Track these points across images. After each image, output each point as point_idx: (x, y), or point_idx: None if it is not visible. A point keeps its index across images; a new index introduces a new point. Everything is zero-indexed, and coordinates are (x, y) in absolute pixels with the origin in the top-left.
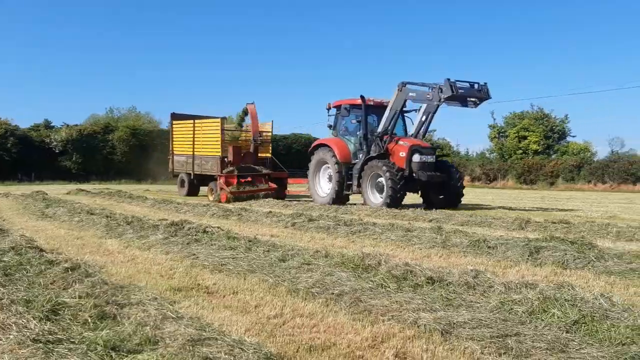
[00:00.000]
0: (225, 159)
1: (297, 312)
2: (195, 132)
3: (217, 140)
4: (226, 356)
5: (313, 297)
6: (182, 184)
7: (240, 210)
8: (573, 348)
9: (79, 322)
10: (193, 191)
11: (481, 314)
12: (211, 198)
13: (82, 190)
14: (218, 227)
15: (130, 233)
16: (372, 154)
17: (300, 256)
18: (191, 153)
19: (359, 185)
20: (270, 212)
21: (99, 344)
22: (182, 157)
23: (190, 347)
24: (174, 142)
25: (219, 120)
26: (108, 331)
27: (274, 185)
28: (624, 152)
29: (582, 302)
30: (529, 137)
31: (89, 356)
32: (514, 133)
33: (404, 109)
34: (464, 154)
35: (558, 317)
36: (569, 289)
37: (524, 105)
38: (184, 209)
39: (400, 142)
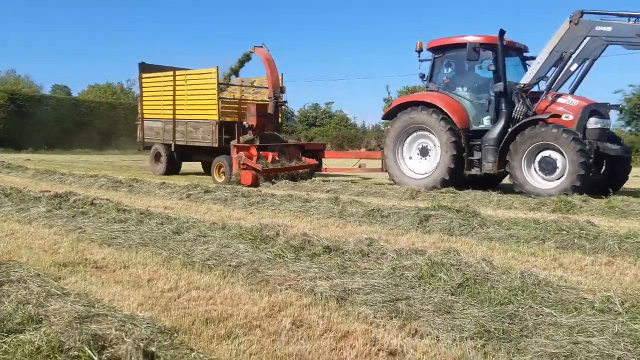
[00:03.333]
0: (245, 123)
1: (193, 285)
2: (178, 88)
3: (212, 99)
4: (117, 332)
5: (209, 270)
6: (157, 159)
7: (131, 182)
8: (457, 309)
9: None
10: (173, 168)
11: (374, 280)
12: (220, 179)
13: None
14: (107, 199)
15: (8, 206)
16: (517, 116)
17: (195, 228)
18: (171, 117)
19: (500, 162)
20: (164, 183)
21: None
22: (156, 123)
23: (78, 325)
24: (145, 103)
25: (214, 70)
26: None
27: (314, 161)
28: None
29: (466, 267)
30: None
31: None
32: None
33: (525, 54)
34: (360, 127)
35: (444, 281)
36: (454, 255)
37: (416, 80)
38: (69, 179)
39: (562, 100)
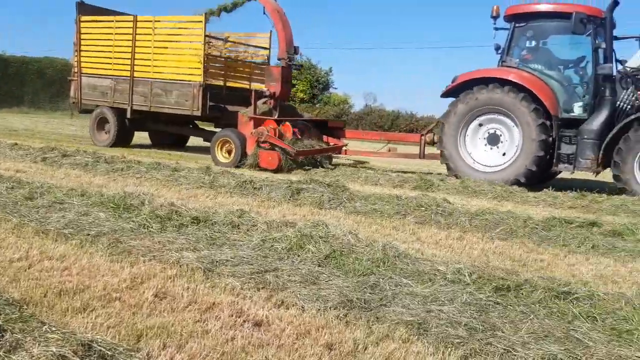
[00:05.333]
0: (265, 90)
1: (46, 255)
2: (140, 37)
3: (196, 55)
4: None
5: (65, 239)
6: (101, 126)
7: None
8: (323, 280)
9: None
10: (124, 138)
11: (243, 252)
12: (225, 159)
13: None
14: None
15: None
16: (623, 106)
17: (51, 194)
18: (127, 74)
19: (601, 161)
20: (16, 144)
21: None
22: (103, 81)
23: None
24: (85, 54)
25: (200, 18)
26: None
27: (342, 142)
28: (376, 106)
29: (334, 239)
30: (297, 86)
31: None
32: None
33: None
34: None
35: (312, 253)
36: (323, 227)
37: None
38: None
39: None
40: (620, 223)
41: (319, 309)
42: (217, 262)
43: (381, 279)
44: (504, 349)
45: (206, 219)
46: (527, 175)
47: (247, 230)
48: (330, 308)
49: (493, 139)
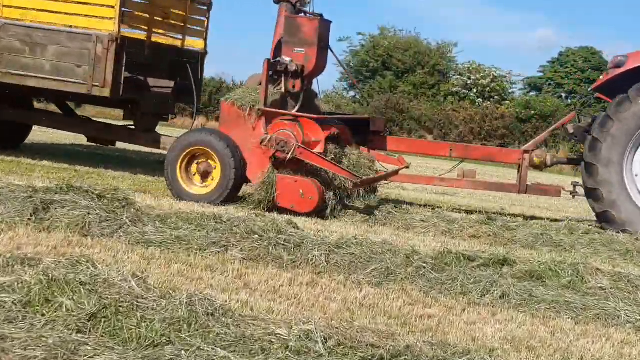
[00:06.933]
0: (288, 62)
1: None
2: None
3: None
4: None
5: None
6: None
7: None
8: (84, 355)
9: None
10: None
11: None
12: (200, 188)
13: None
14: None
15: None
16: None
17: None
18: None
19: None
20: None
21: None
22: None
23: None
24: None
25: None
26: None
27: (404, 162)
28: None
29: (106, 287)
30: None
31: None
32: None
33: None
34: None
35: (68, 310)
36: (88, 267)
37: None
38: None
39: None
40: (540, 261)
41: None
42: None
43: (183, 352)
44: None
45: None
46: None
47: None
48: None
49: None
